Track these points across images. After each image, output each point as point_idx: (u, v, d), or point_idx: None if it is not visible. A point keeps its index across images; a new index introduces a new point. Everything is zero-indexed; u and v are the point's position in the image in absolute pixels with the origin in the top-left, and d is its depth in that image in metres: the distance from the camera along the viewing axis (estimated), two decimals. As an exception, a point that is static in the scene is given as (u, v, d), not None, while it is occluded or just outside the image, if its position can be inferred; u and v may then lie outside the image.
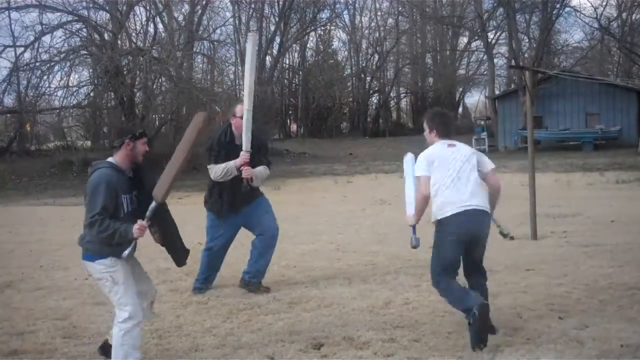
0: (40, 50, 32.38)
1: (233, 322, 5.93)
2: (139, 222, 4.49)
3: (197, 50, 38.47)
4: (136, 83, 32.56)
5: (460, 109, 63.96)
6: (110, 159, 4.72)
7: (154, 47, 33.56)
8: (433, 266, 5.39)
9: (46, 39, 32.78)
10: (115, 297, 4.66)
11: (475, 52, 56.44)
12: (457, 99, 61.36)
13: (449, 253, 5.27)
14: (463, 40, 58.07)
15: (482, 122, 45.12)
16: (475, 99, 66.10)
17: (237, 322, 5.90)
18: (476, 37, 50.44)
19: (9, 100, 35.16)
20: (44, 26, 31.88)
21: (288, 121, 56.96)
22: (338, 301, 6.56)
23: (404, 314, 6.00)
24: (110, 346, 4.73)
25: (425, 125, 5.80)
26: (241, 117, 6.79)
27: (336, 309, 6.28)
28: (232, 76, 45.64)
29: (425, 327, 5.52)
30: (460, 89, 61.15)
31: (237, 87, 45.27)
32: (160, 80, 34.04)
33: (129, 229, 4.44)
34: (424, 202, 5.46)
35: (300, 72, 55.86)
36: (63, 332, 5.76)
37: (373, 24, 58.80)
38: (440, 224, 5.31)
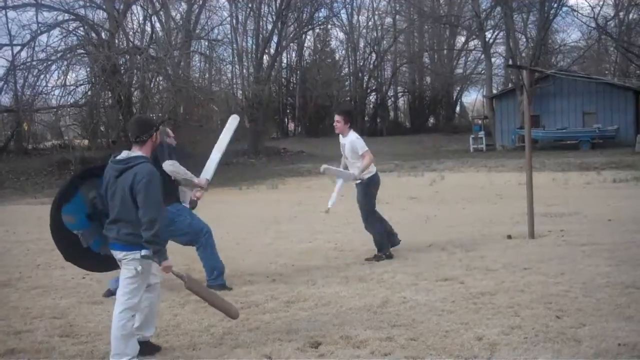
0: (37, 49, 32.31)
1: (230, 321, 5.91)
2: (167, 264, 4.93)
3: (195, 49, 38.40)
4: (133, 82, 32.48)
5: (458, 108, 64.04)
6: (140, 153, 4.89)
7: (151, 46, 33.48)
8: (370, 205, 8.86)
9: (43, 37, 32.89)
10: (131, 286, 4.87)
11: (473, 51, 56.52)
12: (454, 98, 61.42)
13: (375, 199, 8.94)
14: (461, 39, 58.13)
15: (480, 121, 45.16)
16: (472, 98, 66.38)
17: (235, 321, 5.88)
18: (474, 36, 50.46)
19: (6, 99, 35.16)
20: (40, 25, 31.81)
21: (286, 120, 57.00)
22: (335, 300, 6.56)
23: (401, 312, 6.00)
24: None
25: (341, 118, 8.75)
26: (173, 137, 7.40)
27: (333, 307, 6.28)
28: (229, 75, 45.64)
29: (422, 326, 5.53)
30: (458, 88, 61.19)
31: (234, 85, 45.29)
32: (157, 79, 34.00)
33: (162, 258, 4.86)
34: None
35: (298, 71, 55.88)
36: (60, 331, 5.76)
37: (370, 23, 58.90)
38: (374, 179, 8.77)
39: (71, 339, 5.53)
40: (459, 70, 59.78)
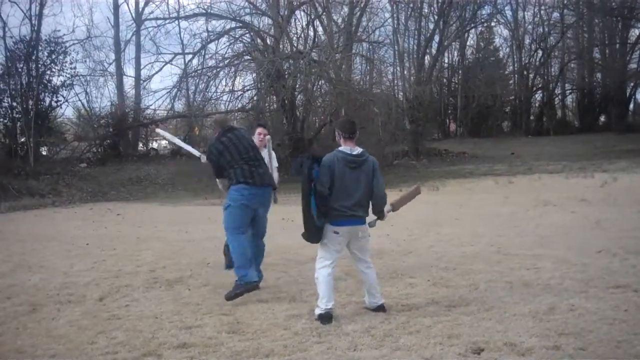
0: (206, 56, 33.90)
1: (391, 323, 5.93)
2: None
3: (356, 52, 38.74)
4: (297, 86, 33.20)
5: (632, 106, 60.58)
6: (362, 149, 6.16)
7: (313, 50, 34.16)
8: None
9: (212, 45, 34.26)
10: (369, 247, 6.42)
11: (648, 45, 53.15)
12: (627, 94, 58.13)
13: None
14: (634, 32, 54.88)
15: (656, 119, 42.46)
16: (648, 95, 62.36)
17: (396, 324, 5.89)
18: (649, 29, 47.46)
19: (179, 106, 37.09)
20: (210, 33, 33.33)
21: (447, 121, 56.24)
22: (499, 305, 6.39)
23: (570, 320, 5.74)
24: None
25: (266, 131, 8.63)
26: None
27: (497, 313, 6.12)
28: (390, 76, 45.66)
29: (592, 335, 5.26)
30: (632, 84, 57.81)
31: (395, 87, 45.31)
32: (319, 83, 34.60)
33: (384, 217, 6.50)
34: None
35: (460, 71, 55.02)
36: (228, 327, 5.99)
37: (536, 18, 56.89)
38: None
39: (238, 336, 5.74)
40: (633, 65, 56.42)
